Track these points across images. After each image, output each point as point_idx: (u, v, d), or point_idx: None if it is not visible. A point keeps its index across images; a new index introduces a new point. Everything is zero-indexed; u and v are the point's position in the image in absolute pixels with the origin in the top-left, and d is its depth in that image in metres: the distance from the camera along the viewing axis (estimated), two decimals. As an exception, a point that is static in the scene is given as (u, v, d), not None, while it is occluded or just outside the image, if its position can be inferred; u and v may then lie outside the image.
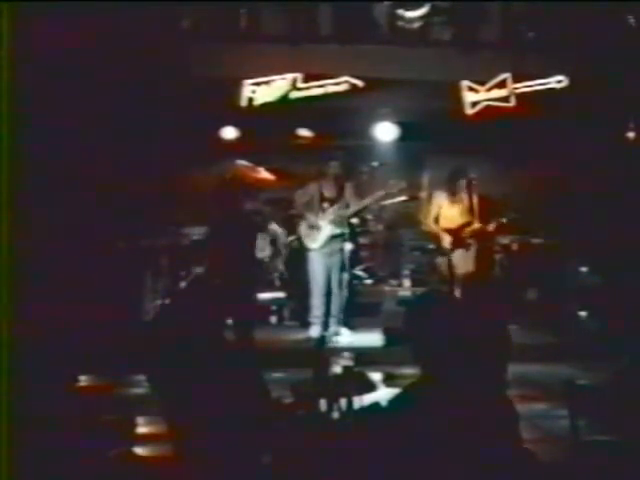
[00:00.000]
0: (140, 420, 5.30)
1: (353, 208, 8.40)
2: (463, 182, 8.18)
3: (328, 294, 8.33)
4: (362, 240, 10.03)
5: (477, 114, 9.23)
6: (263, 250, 9.83)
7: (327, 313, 8.35)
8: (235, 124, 10.17)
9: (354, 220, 9.08)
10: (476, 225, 8.25)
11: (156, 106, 8.74)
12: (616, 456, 3.84)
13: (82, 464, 4.17)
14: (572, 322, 8.76)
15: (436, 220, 8.42)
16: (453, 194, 8.28)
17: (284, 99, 9.04)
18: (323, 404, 4.00)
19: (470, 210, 8.24)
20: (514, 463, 2.78)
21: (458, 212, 8.32)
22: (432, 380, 2.83)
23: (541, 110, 9.00)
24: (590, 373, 6.51)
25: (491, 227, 8.28)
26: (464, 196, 8.25)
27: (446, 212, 8.35)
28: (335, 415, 3.95)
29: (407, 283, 10.24)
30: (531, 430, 4.84)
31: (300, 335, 8.45)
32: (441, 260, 8.49)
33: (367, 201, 8.53)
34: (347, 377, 4.45)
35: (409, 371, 3.44)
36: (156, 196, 9.39)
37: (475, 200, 8.23)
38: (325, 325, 8.31)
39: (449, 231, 8.33)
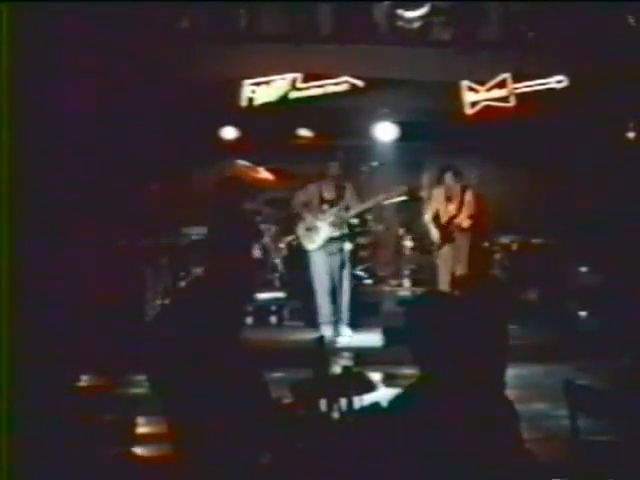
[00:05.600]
0: (140, 420, 5.30)
1: (353, 211, 8.40)
2: (449, 175, 8.38)
3: (332, 294, 8.35)
4: (362, 240, 10.03)
5: (477, 114, 9.23)
6: (263, 250, 9.84)
7: (331, 313, 8.37)
8: (235, 124, 10.16)
9: (354, 220, 9.09)
10: (460, 219, 8.38)
11: (156, 106, 8.74)
12: (616, 456, 3.84)
13: (82, 464, 4.17)
14: (572, 322, 8.76)
15: (435, 217, 8.57)
16: (447, 188, 8.46)
17: (284, 99, 9.04)
18: (323, 404, 4.00)
19: (459, 204, 8.43)
20: (514, 463, 2.78)
21: (449, 208, 8.50)
22: (432, 380, 2.83)
23: (541, 110, 9.00)
24: (590, 373, 6.52)
25: (476, 222, 8.39)
26: (454, 191, 8.43)
27: (442, 209, 8.52)
28: (335, 415, 3.95)
29: (407, 283, 10.25)
30: (531, 430, 4.84)
31: (300, 335, 8.46)
32: (439, 258, 8.59)
33: (366, 205, 8.54)
34: (347, 377, 4.45)
35: (409, 371, 3.44)
36: (156, 196, 9.39)
37: (466, 194, 8.40)
38: (331, 325, 8.32)
39: (441, 227, 8.48)
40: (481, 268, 8.54)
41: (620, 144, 9.65)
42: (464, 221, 8.42)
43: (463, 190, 8.51)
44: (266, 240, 9.85)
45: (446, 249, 8.51)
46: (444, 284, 8.34)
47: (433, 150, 10.65)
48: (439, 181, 8.61)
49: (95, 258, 8.16)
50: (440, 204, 8.59)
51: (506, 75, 9.18)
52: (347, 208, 8.35)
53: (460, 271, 8.21)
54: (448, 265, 8.46)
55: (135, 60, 8.37)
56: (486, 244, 9.14)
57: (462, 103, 9.24)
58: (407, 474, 2.73)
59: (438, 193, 8.65)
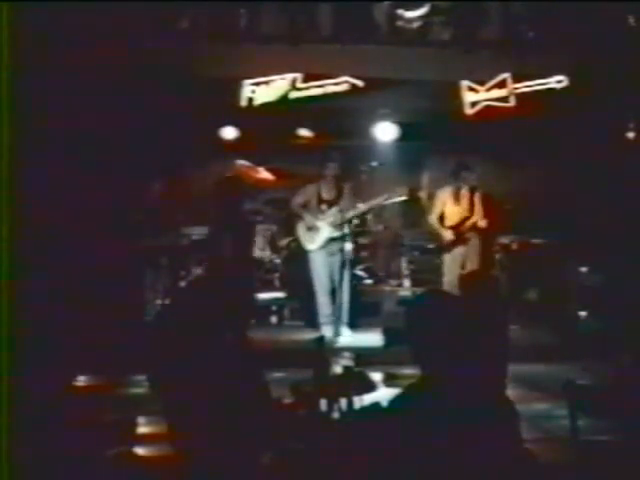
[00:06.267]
0: (140, 420, 5.30)
1: (353, 211, 8.38)
2: (466, 174, 8.33)
3: (332, 294, 8.35)
4: (362, 240, 10.02)
5: (477, 114, 9.23)
6: (263, 250, 9.84)
7: (331, 313, 8.37)
8: (235, 124, 10.17)
9: (354, 220, 9.08)
10: (475, 219, 8.35)
11: (156, 106, 8.74)
12: (616, 456, 3.84)
13: (82, 464, 4.17)
14: (572, 322, 8.76)
15: (440, 218, 8.55)
16: (456, 188, 8.42)
17: (284, 99, 9.04)
18: (323, 404, 4.00)
19: (470, 205, 8.40)
20: (514, 463, 2.78)
21: (459, 208, 8.46)
22: (432, 380, 2.83)
23: (541, 110, 9.00)
24: (590, 373, 6.52)
25: (490, 221, 8.36)
26: (465, 191, 8.39)
27: (448, 209, 8.50)
28: (335, 415, 3.95)
29: (407, 283, 10.24)
30: (531, 430, 4.84)
31: (300, 335, 8.46)
32: (444, 259, 8.58)
33: (366, 206, 8.52)
34: (347, 377, 4.45)
35: (409, 371, 3.44)
36: (156, 196, 9.39)
37: (475, 195, 8.39)
38: (331, 325, 8.32)
39: (450, 228, 8.45)
40: (490, 268, 8.53)
41: (620, 144, 9.64)
42: (480, 221, 8.37)
43: (472, 190, 8.46)
44: (267, 240, 9.85)
45: (457, 250, 8.47)
46: (448, 284, 8.32)
47: (433, 150, 10.66)
48: (454, 178, 8.52)
49: (95, 258, 8.16)
50: (447, 205, 8.54)
51: (506, 75, 9.18)
52: (346, 208, 8.34)
53: (468, 271, 8.17)
54: (456, 265, 8.42)
55: (135, 60, 8.37)
56: (493, 244, 9.13)
57: (462, 103, 9.23)
58: (407, 474, 2.73)
59: (444, 193, 8.58)
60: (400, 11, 8.89)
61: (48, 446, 4.21)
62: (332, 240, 8.33)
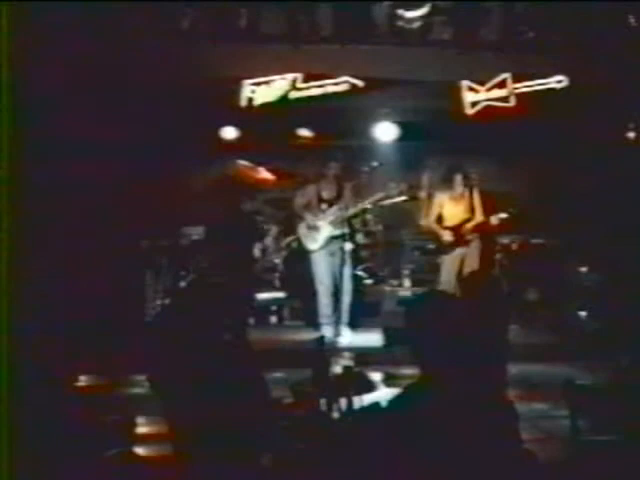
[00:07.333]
0: (140, 420, 5.30)
1: (352, 209, 8.40)
2: (459, 177, 8.38)
3: (333, 294, 8.35)
4: (362, 240, 10.02)
5: (477, 114, 9.23)
6: (263, 250, 9.84)
7: (331, 313, 8.37)
8: (235, 124, 10.17)
9: (354, 220, 9.09)
10: (476, 220, 8.38)
11: (156, 106, 8.74)
12: (616, 456, 3.84)
13: (82, 464, 4.17)
14: (572, 322, 8.76)
15: (438, 220, 8.57)
16: (451, 190, 8.45)
17: (284, 99, 9.04)
18: (323, 404, 4.00)
19: (470, 206, 8.42)
20: (514, 463, 2.78)
21: (459, 209, 8.47)
22: (432, 380, 2.83)
23: (541, 110, 9.00)
24: (590, 373, 6.52)
25: (492, 221, 8.39)
26: (463, 192, 8.42)
27: (447, 210, 8.52)
28: (335, 415, 3.95)
29: (407, 283, 10.24)
30: (531, 430, 4.84)
31: (300, 335, 8.46)
32: (442, 259, 8.59)
33: (366, 203, 8.54)
34: (347, 377, 4.45)
35: (409, 371, 3.44)
36: (156, 196, 9.39)
37: (474, 195, 8.42)
38: (332, 325, 8.32)
39: (450, 229, 8.46)
40: (488, 268, 8.54)
41: (620, 144, 9.64)
42: (480, 222, 8.40)
43: (470, 191, 8.49)
44: (268, 240, 9.85)
45: (457, 250, 8.49)
46: (444, 284, 8.33)
47: (433, 150, 10.64)
48: (448, 181, 8.56)
49: (95, 258, 8.16)
50: (445, 206, 8.57)
51: (506, 75, 9.18)
52: (346, 207, 8.35)
53: (468, 272, 8.18)
54: (454, 266, 8.44)
55: (135, 60, 8.37)
56: (493, 245, 9.14)
57: (462, 103, 9.23)
58: (407, 474, 2.73)
59: (442, 195, 8.61)
60: (400, 11, 8.88)
61: (48, 446, 4.20)
62: (333, 239, 8.34)
